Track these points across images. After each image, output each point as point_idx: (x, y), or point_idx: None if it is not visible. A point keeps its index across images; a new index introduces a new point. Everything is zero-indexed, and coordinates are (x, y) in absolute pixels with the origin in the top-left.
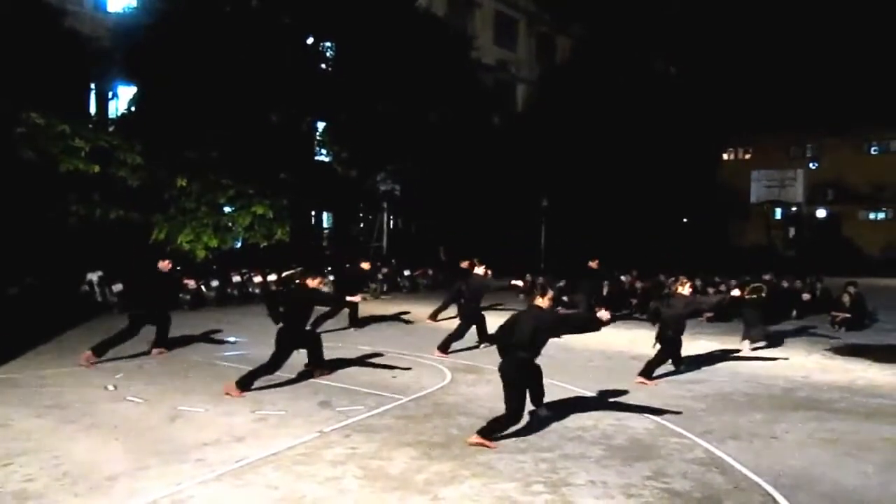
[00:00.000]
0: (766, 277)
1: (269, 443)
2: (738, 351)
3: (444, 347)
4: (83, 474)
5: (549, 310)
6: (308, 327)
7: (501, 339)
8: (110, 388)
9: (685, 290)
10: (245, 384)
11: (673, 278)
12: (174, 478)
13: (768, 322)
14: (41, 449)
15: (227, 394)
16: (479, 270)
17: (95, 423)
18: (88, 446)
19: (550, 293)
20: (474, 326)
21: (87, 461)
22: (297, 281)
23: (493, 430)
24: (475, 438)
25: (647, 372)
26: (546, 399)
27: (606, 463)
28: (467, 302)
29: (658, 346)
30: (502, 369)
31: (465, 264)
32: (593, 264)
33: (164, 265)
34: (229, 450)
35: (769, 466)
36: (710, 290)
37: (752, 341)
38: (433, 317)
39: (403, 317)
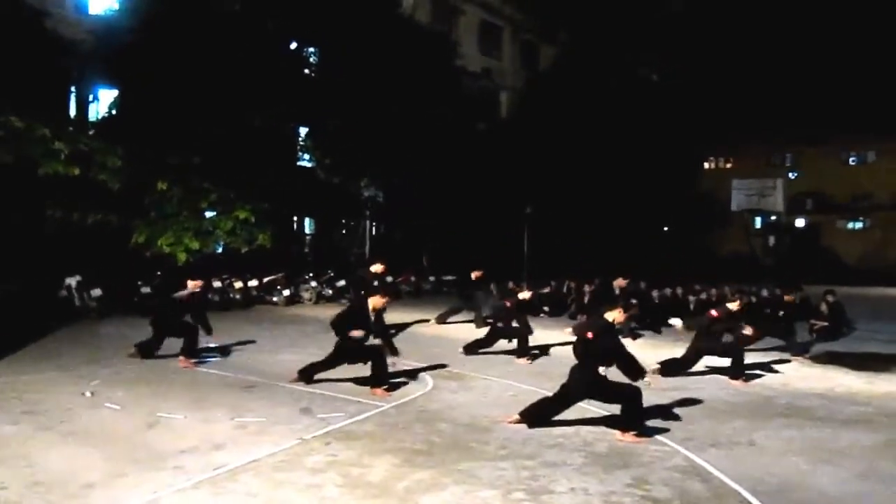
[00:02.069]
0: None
1: (249, 450)
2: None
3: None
4: (58, 482)
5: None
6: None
7: None
8: (88, 394)
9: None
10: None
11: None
12: (151, 485)
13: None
14: (15, 456)
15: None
16: (525, 295)
17: (72, 429)
18: (65, 453)
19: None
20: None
21: (62, 469)
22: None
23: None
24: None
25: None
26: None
27: (587, 470)
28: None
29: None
30: None
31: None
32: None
33: (194, 285)
34: (208, 457)
35: (749, 474)
36: (691, 298)
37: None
38: (440, 320)
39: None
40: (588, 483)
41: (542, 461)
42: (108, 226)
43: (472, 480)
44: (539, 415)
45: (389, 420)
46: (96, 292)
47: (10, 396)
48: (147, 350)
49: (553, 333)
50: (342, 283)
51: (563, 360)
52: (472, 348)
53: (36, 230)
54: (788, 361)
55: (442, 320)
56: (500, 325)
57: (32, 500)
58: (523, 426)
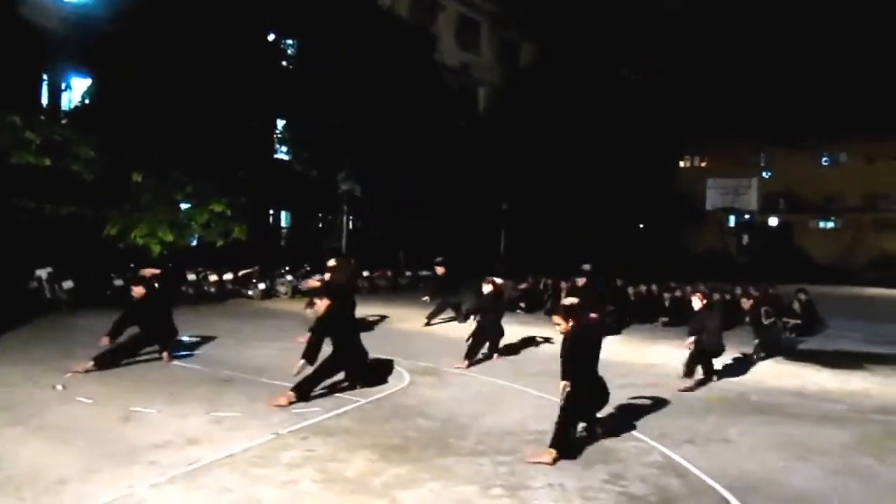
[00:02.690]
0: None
1: (224, 445)
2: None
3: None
4: (30, 478)
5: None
6: None
7: None
8: (59, 388)
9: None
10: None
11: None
12: (126, 480)
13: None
14: None
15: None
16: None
17: (44, 424)
18: (36, 449)
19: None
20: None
21: (34, 464)
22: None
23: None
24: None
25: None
26: (505, 402)
27: (564, 466)
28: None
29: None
30: None
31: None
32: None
33: (148, 274)
34: (183, 452)
35: (724, 470)
36: (666, 295)
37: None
38: (430, 319)
39: (361, 318)
40: (565, 479)
41: (519, 457)
42: (80, 217)
43: (450, 476)
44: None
45: (366, 415)
46: (68, 284)
47: None
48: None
49: (530, 329)
50: (318, 277)
51: (540, 356)
52: (472, 356)
53: (6, 221)
54: (763, 359)
55: (431, 319)
56: (485, 322)
57: (5, 496)
58: (502, 420)
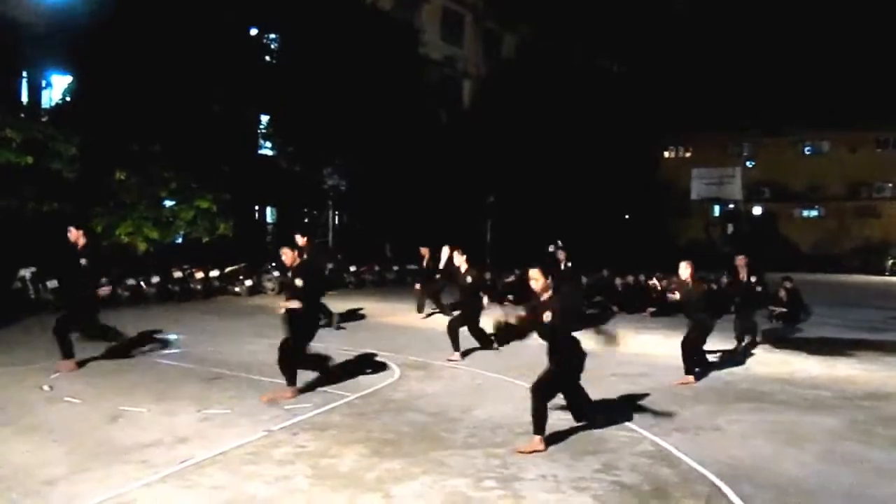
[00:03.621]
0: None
1: (215, 442)
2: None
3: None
4: (18, 479)
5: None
6: None
7: None
8: (46, 388)
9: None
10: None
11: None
12: (116, 480)
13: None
14: None
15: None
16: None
17: (31, 424)
18: (24, 449)
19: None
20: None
21: (22, 465)
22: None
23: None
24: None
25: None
26: (495, 394)
27: (556, 457)
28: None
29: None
30: None
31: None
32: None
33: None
34: (173, 450)
35: (714, 458)
36: (653, 285)
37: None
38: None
39: (349, 313)
40: (557, 470)
41: (511, 449)
42: (63, 216)
43: (443, 469)
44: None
45: (357, 410)
46: (52, 284)
47: None
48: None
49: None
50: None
51: (529, 348)
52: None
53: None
54: (752, 347)
55: (422, 311)
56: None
57: None
58: (494, 412)
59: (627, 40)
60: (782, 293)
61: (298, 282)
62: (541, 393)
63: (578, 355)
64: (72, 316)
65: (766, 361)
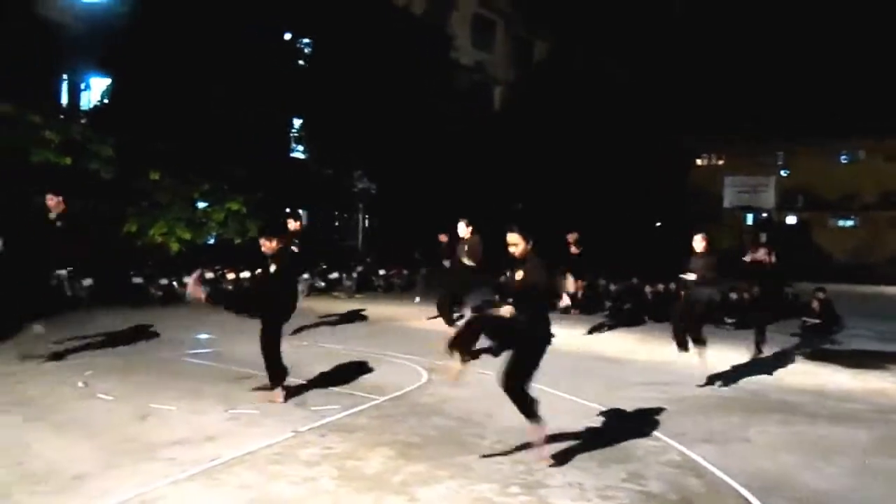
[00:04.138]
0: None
1: (243, 442)
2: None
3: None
4: (50, 473)
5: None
6: None
7: None
8: (80, 384)
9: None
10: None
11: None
12: (145, 477)
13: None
14: (5, 446)
15: None
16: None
17: (63, 420)
18: (56, 445)
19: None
20: None
21: (54, 460)
22: None
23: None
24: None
25: None
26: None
27: (582, 465)
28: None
29: None
30: None
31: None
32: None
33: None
34: (201, 449)
35: (743, 469)
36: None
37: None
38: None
39: (377, 316)
40: (583, 478)
41: (537, 456)
42: (99, 215)
43: (468, 474)
44: None
45: (384, 413)
46: (87, 282)
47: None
48: None
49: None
50: (335, 275)
51: (557, 355)
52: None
53: (27, 219)
54: (783, 358)
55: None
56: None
57: (24, 491)
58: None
59: (661, 47)
60: (815, 304)
61: (273, 267)
62: (515, 387)
63: (544, 333)
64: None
65: (797, 372)
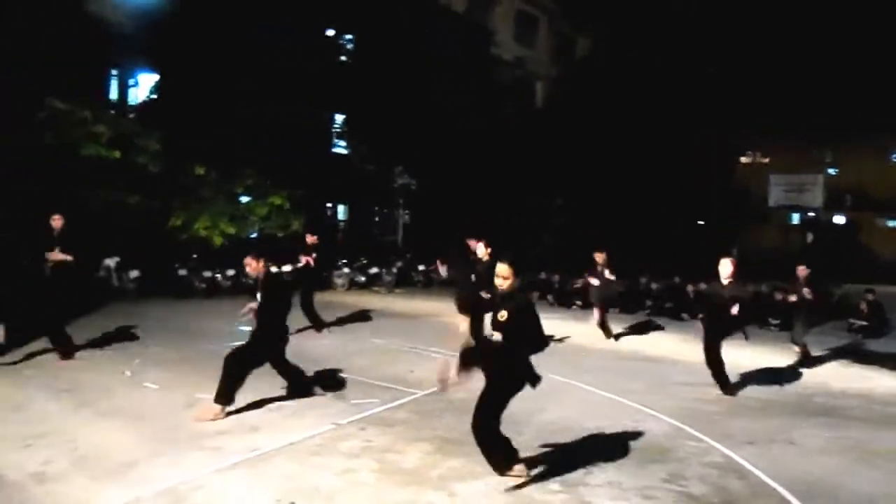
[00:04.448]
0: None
1: (284, 433)
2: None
3: None
4: (100, 459)
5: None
6: None
7: None
8: (127, 373)
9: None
10: None
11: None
12: (190, 465)
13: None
14: (58, 432)
15: None
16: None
17: (112, 408)
18: (105, 431)
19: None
20: None
21: (103, 446)
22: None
23: None
24: None
25: None
26: (561, 397)
27: (622, 464)
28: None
29: None
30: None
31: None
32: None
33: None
34: (244, 439)
35: (786, 472)
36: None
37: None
38: None
39: (416, 311)
40: (623, 477)
41: (577, 453)
42: (146, 208)
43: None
44: None
45: (423, 408)
46: (134, 274)
47: (51, 374)
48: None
49: (583, 327)
50: (375, 270)
51: (595, 353)
52: None
53: (76, 211)
54: (829, 360)
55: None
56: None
57: (76, 475)
58: (561, 416)
59: (705, 44)
60: (863, 306)
61: (259, 297)
62: (483, 424)
63: (524, 372)
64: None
65: (844, 376)
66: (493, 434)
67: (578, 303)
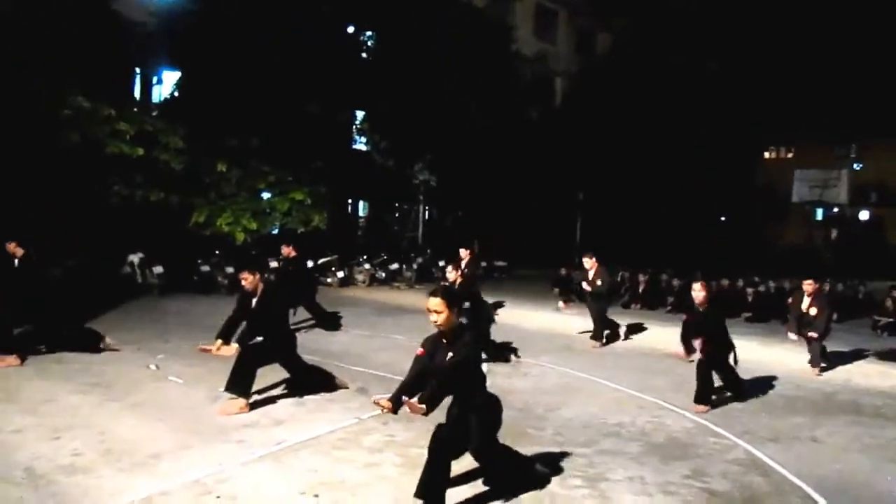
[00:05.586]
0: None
1: (308, 427)
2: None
3: None
4: (128, 451)
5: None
6: None
7: None
8: (152, 367)
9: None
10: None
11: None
12: (216, 457)
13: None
14: (86, 425)
15: None
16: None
17: (138, 401)
18: (132, 424)
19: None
20: None
21: (131, 438)
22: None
23: None
24: None
25: None
26: (582, 393)
27: (644, 460)
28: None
29: None
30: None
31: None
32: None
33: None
34: (269, 432)
35: (810, 470)
36: (750, 291)
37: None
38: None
39: None
40: (645, 472)
41: (598, 449)
42: (169, 205)
43: None
44: None
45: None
46: (158, 269)
47: (77, 368)
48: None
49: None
50: (395, 266)
51: (616, 349)
52: None
53: (101, 208)
54: (854, 358)
55: None
56: None
57: (104, 467)
58: (582, 412)
59: (728, 38)
60: (888, 302)
61: (255, 307)
62: (488, 455)
63: (489, 400)
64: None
65: (869, 373)
66: (505, 457)
67: None
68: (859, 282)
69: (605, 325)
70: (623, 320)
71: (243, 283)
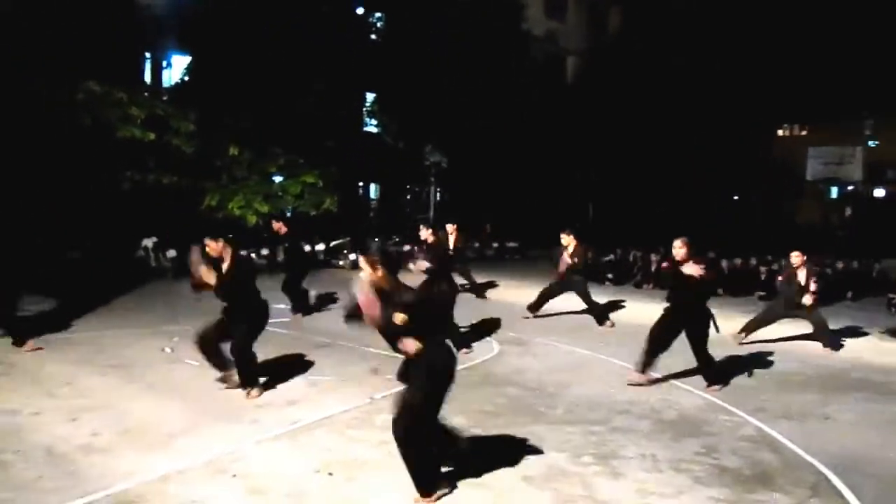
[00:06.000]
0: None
1: (322, 407)
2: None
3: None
4: (145, 431)
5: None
6: None
7: None
8: (168, 350)
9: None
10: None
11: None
12: (231, 436)
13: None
14: (104, 406)
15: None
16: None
17: (154, 383)
18: (148, 405)
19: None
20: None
21: (147, 419)
22: None
23: None
24: None
25: None
26: (593, 372)
27: (655, 437)
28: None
29: None
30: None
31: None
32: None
33: None
34: (283, 412)
35: (821, 446)
36: (763, 269)
37: None
38: None
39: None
40: (656, 449)
41: (610, 426)
42: (181, 189)
43: (541, 443)
44: None
45: (458, 382)
46: (171, 253)
47: (96, 350)
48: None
49: (616, 302)
50: (407, 248)
51: (626, 327)
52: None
53: (114, 192)
54: (864, 335)
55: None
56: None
57: (122, 446)
58: (593, 390)
59: (741, 14)
60: None
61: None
62: (405, 435)
63: (443, 363)
64: None
65: (882, 351)
66: (419, 450)
67: (610, 276)
68: (874, 260)
69: (596, 305)
70: (635, 300)
71: (207, 249)
